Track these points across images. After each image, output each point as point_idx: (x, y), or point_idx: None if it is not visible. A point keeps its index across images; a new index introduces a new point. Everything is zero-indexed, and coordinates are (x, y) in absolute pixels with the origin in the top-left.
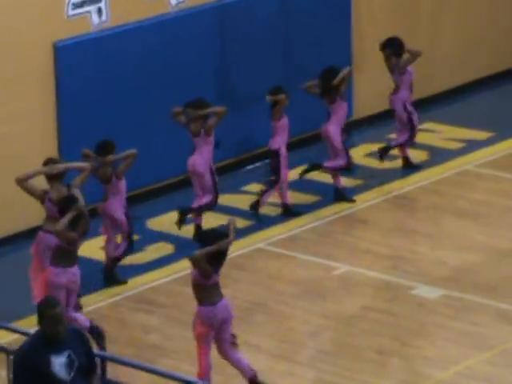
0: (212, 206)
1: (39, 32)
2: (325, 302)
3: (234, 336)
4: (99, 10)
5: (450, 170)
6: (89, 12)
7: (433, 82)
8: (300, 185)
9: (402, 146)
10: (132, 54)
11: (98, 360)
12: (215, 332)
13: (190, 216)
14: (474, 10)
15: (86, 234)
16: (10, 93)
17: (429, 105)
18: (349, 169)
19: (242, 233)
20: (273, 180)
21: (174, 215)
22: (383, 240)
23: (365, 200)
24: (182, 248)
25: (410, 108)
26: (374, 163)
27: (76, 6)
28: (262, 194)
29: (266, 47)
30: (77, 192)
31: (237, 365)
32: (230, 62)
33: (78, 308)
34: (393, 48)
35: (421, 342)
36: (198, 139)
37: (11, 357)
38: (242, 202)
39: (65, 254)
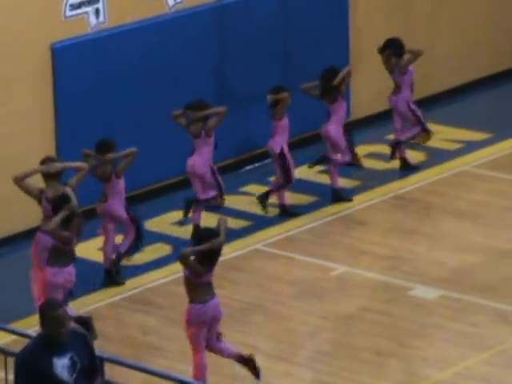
0: (219, 206)
1: (37, 33)
2: (322, 303)
3: (220, 334)
4: (97, 11)
5: (449, 170)
6: (86, 13)
7: (432, 82)
8: (297, 186)
9: (403, 145)
10: (130, 54)
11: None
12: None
13: (190, 216)
14: (473, 9)
15: (81, 234)
16: (8, 93)
17: (428, 105)
18: (359, 165)
19: (239, 233)
20: (284, 182)
21: (172, 216)
22: (381, 241)
23: (363, 201)
24: (180, 249)
25: (413, 106)
26: (373, 164)
27: (74, 7)
28: (271, 191)
29: (265, 47)
30: (69, 191)
31: (228, 352)
32: (229, 63)
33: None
34: (393, 49)
35: (419, 342)
36: (198, 140)
37: (9, 358)
38: (241, 202)
39: (61, 254)
